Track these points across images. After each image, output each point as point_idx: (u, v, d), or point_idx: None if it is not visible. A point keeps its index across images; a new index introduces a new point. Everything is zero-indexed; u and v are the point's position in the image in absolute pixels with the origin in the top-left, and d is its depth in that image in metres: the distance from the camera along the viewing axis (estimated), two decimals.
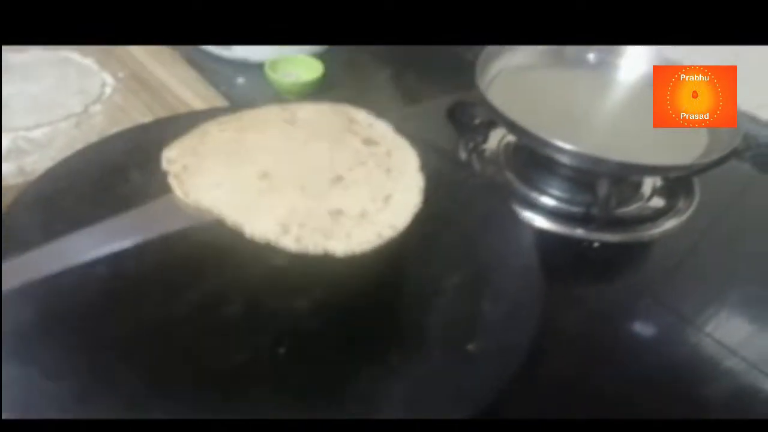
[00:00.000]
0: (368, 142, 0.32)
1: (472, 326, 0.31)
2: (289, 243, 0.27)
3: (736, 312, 0.44)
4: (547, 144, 0.42)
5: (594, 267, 0.46)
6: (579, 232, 0.46)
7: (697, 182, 0.51)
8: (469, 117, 0.51)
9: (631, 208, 0.49)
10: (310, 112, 0.34)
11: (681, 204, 0.50)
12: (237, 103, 0.55)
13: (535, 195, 0.48)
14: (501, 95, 0.47)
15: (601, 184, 0.44)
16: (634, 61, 0.55)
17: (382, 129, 0.34)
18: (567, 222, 0.46)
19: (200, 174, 0.29)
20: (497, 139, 0.53)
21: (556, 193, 0.48)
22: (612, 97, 0.54)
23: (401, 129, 0.35)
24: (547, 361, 0.36)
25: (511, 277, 0.33)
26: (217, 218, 0.28)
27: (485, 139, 0.51)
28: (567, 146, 0.42)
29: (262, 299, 0.32)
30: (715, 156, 0.44)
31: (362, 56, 0.64)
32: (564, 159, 0.44)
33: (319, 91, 0.59)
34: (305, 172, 0.30)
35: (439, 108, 0.33)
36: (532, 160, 0.50)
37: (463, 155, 0.50)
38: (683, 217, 0.48)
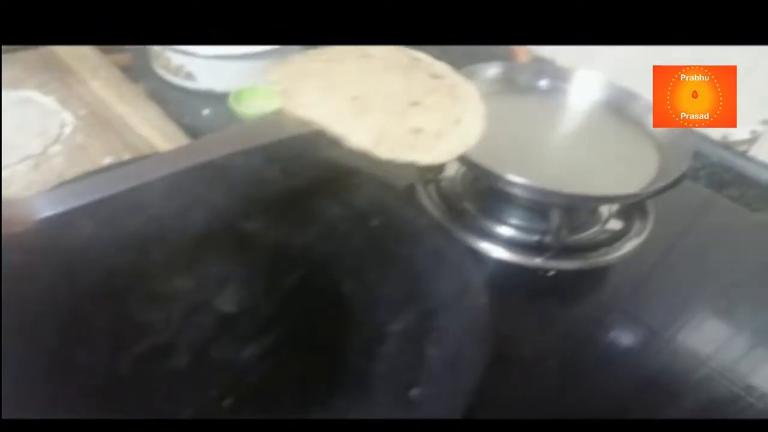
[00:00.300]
0: (434, 75, 0.37)
1: (417, 371, 0.31)
2: (383, 153, 0.32)
3: (703, 325, 0.45)
4: (498, 178, 0.43)
5: (555, 294, 0.47)
6: (537, 261, 0.46)
7: (651, 204, 0.52)
8: None
9: (589, 233, 0.50)
10: (380, 50, 0.38)
11: (636, 227, 0.51)
12: (203, 135, 0.55)
13: (493, 225, 0.49)
14: None
15: (553, 214, 0.45)
16: (585, 87, 0.56)
17: (443, 67, 0.39)
18: (525, 251, 0.47)
19: (301, 95, 0.34)
20: (455, 168, 0.54)
21: (514, 221, 0.49)
22: (564, 124, 0.55)
23: (359, 161, 0.37)
24: (510, 384, 0.37)
25: (458, 318, 0.34)
26: (320, 129, 0.32)
27: (441, 170, 0.52)
28: (517, 179, 0.42)
29: (208, 349, 0.32)
30: (666, 181, 0.45)
31: None
32: (516, 191, 0.45)
33: None
34: (387, 97, 0.34)
35: None
36: (489, 190, 0.50)
37: (419, 187, 0.51)
38: (639, 240, 0.49)
